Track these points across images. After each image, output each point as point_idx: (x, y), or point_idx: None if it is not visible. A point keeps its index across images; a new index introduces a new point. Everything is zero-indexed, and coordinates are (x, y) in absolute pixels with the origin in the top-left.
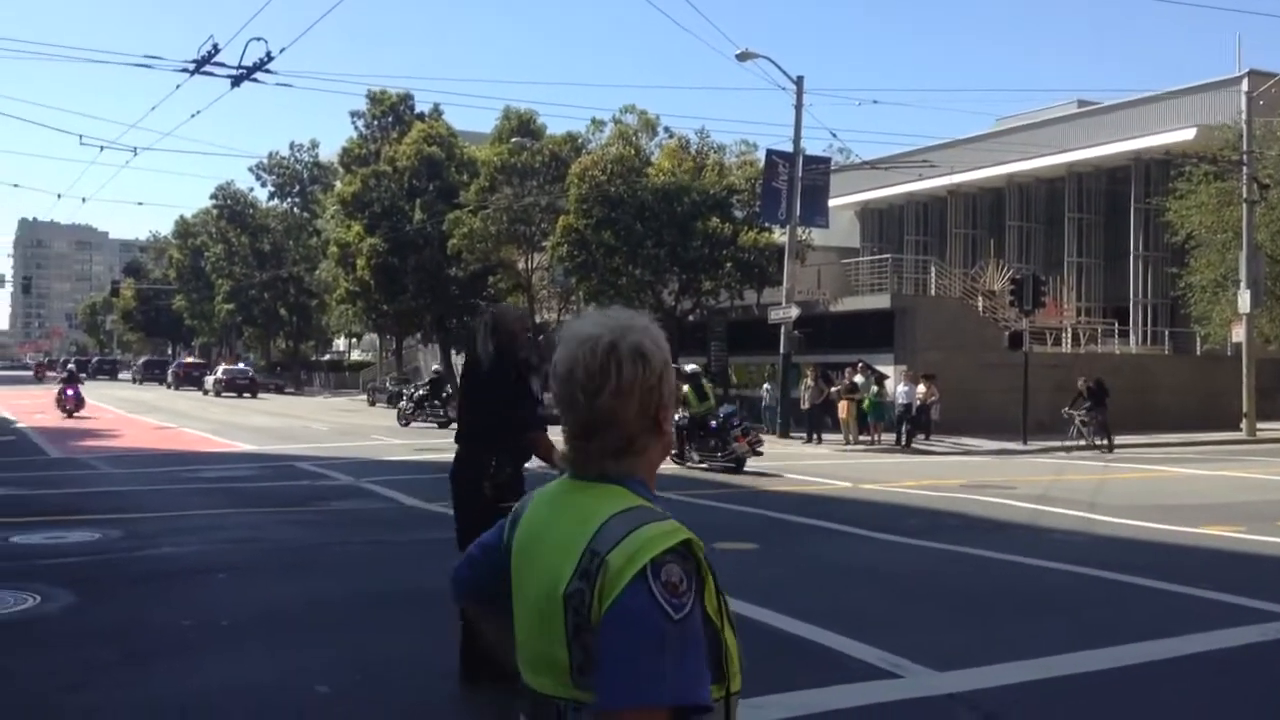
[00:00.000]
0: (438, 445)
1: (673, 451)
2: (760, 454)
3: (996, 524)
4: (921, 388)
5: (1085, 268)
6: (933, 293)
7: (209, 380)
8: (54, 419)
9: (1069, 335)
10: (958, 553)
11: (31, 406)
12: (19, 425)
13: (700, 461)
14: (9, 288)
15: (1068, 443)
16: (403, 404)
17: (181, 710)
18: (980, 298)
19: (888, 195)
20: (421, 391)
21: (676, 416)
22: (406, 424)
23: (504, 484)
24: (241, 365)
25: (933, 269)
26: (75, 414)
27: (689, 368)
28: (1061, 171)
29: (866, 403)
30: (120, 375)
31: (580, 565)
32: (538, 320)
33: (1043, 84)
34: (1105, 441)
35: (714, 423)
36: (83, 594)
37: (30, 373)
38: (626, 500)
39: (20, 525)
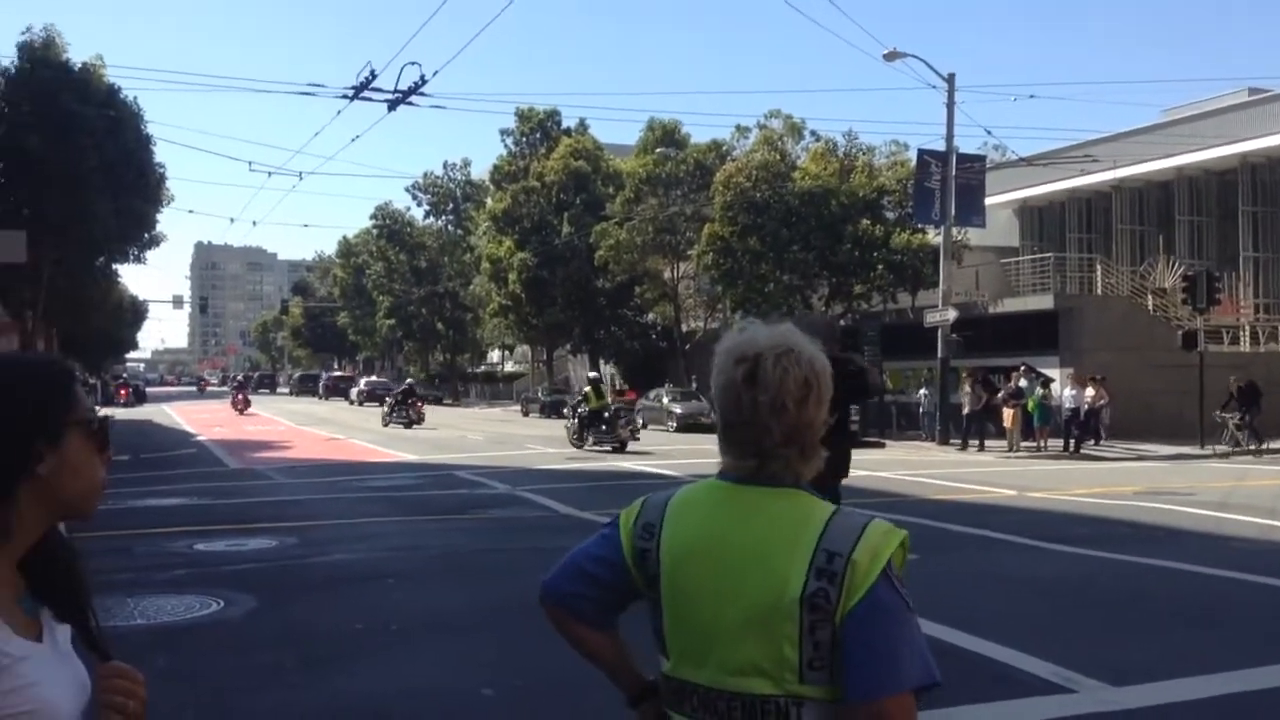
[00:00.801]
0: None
1: (573, 437)
2: (638, 439)
3: (1172, 532)
4: (1090, 391)
5: (1263, 262)
6: (1099, 292)
7: (353, 392)
8: (230, 431)
9: (1247, 333)
10: (1130, 562)
11: (210, 420)
12: (199, 438)
13: (595, 444)
14: (187, 308)
15: (1220, 447)
16: (383, 409)
17: (355, 711)
18: (1150, 296)
19: (1048, 192)
20: (397, 400)
21: (580, 409)
22: (386, 425)
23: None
24: (375, 377)
25: (1098, 267)
26: (245, 412)
27: (591, 374)
28: (1234, 162)
29: (1031, 404)
30: (279, 389)
31: (814, 565)
32: (684, 329)
33: (1210, 73)
34: (1255, 445)
35: (606, 414)
36: (262, 599)
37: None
38: (822, 502)
39: (203, 533)
